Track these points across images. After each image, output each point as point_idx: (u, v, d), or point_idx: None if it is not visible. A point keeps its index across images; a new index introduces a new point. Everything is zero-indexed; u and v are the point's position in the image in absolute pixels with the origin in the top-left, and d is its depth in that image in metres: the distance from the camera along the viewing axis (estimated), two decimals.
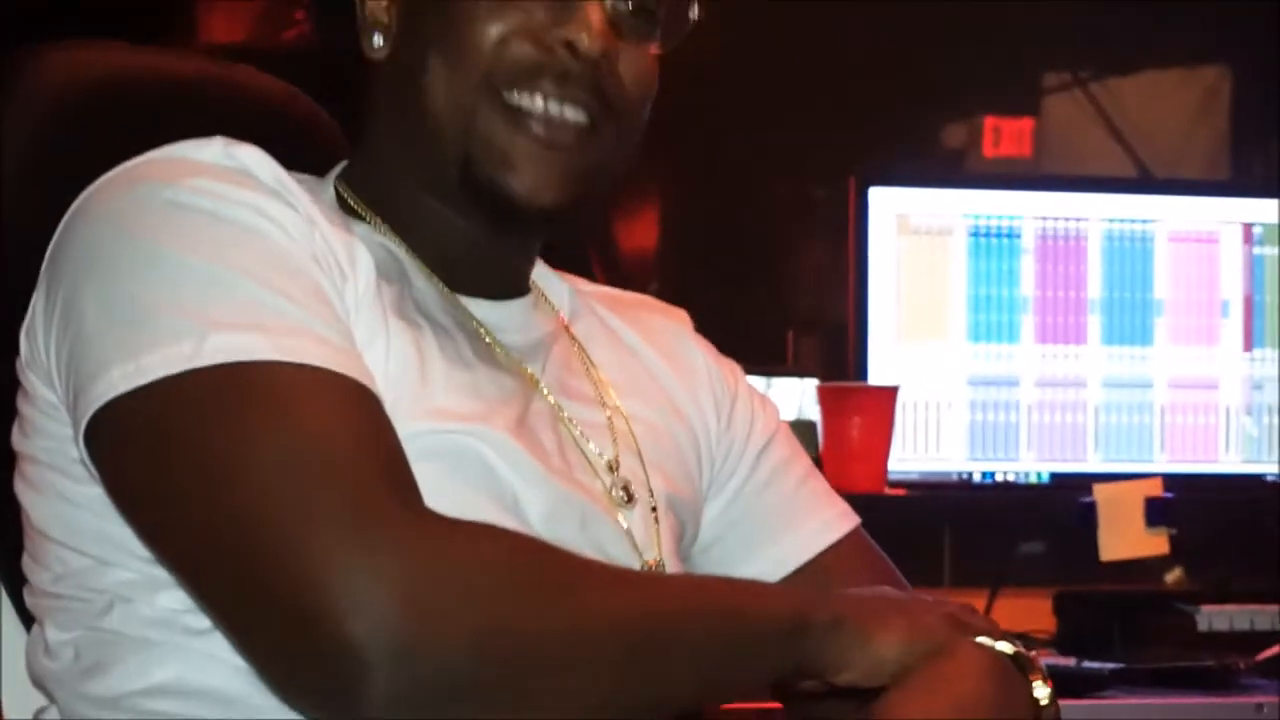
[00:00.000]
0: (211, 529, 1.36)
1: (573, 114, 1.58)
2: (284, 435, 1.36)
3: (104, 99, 1.73)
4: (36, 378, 1.51)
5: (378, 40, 1.63)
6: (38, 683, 1.58)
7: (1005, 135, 3.43)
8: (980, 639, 1.56)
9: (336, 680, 1.30)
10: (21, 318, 1.53)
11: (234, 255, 1.43)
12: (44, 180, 1.63)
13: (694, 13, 1.64)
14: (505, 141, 1.58)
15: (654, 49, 1.63)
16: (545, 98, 1.58)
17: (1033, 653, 1.56)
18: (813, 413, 2.57)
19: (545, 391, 1.65)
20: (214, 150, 1.51)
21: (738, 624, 1.50)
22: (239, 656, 1.44)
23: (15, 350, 1.54)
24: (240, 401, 1.37)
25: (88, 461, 1.43)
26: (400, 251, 1.64)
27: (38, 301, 1.51)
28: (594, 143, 1.60)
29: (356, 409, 1.40)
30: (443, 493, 1.45)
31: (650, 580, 1.58)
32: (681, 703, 1.50)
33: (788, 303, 2.97)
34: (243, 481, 1.34)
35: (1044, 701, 1.55)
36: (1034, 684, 1.56)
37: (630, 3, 1.60)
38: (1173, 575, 2.67)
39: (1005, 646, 1.56)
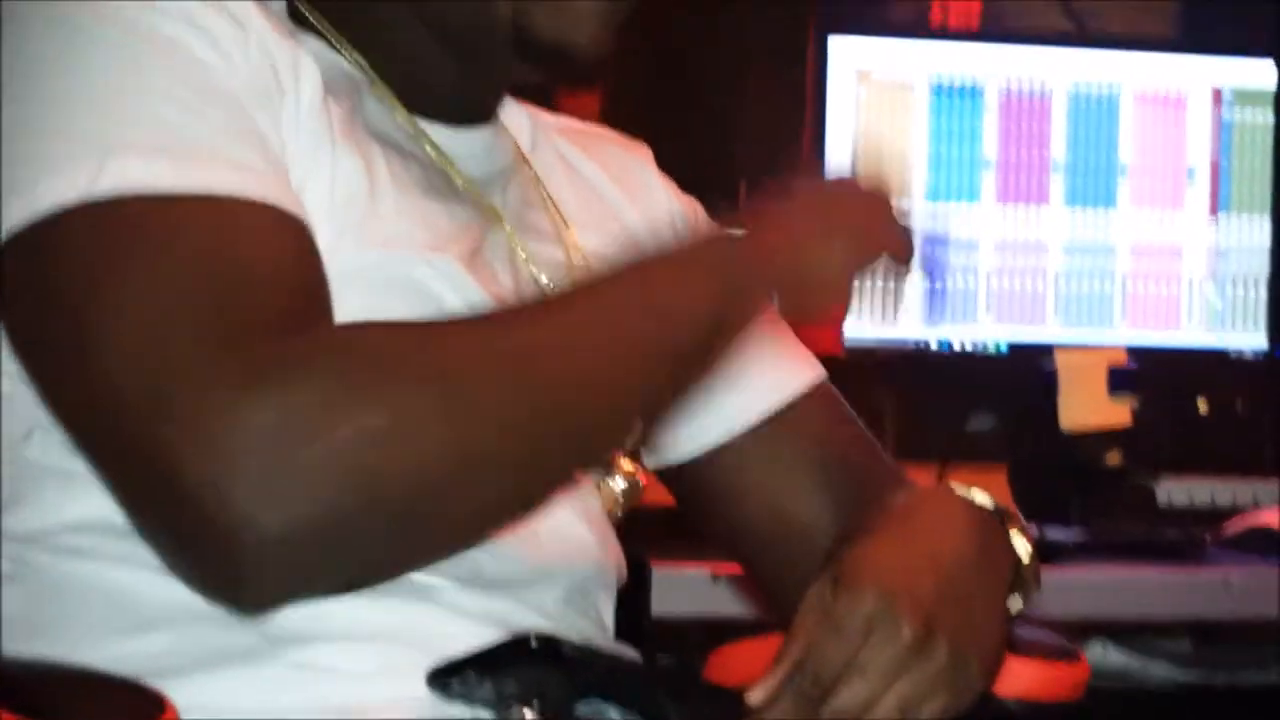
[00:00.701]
0: (86, 387, 1.36)
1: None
2: (171, 275, 1.35)
3: None
4: None
5: None
6: None
7: (954, 6, 3.39)
8: (958, 489, 1.62)
9: (200, 548, 1.32)
10: None
11: (147, 73, 1.43)
12: None
13: None
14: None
15: None
16: None
17: (1011, 511, 1.64)
18: None
19: (506, 225, 1.65)
20: None
21: (657, 292, 1.51)
22: None
23: None
24: (132, 239, 1.36)
25: None
26: (355, 69, 1.62)
27: None
28: None
29: (263, 237, 1.40)
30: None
31: (559, 300, 1.57)
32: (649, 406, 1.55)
33: (740, 152, 2.98)
34: (119, 330, 1.34)
35: (1025, 557, 1.61)
36: (1014, 537, 1.62)
37: None
38: (1115, 457, 2.67)
39: (981, 497, 1.62)
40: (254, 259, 1.36)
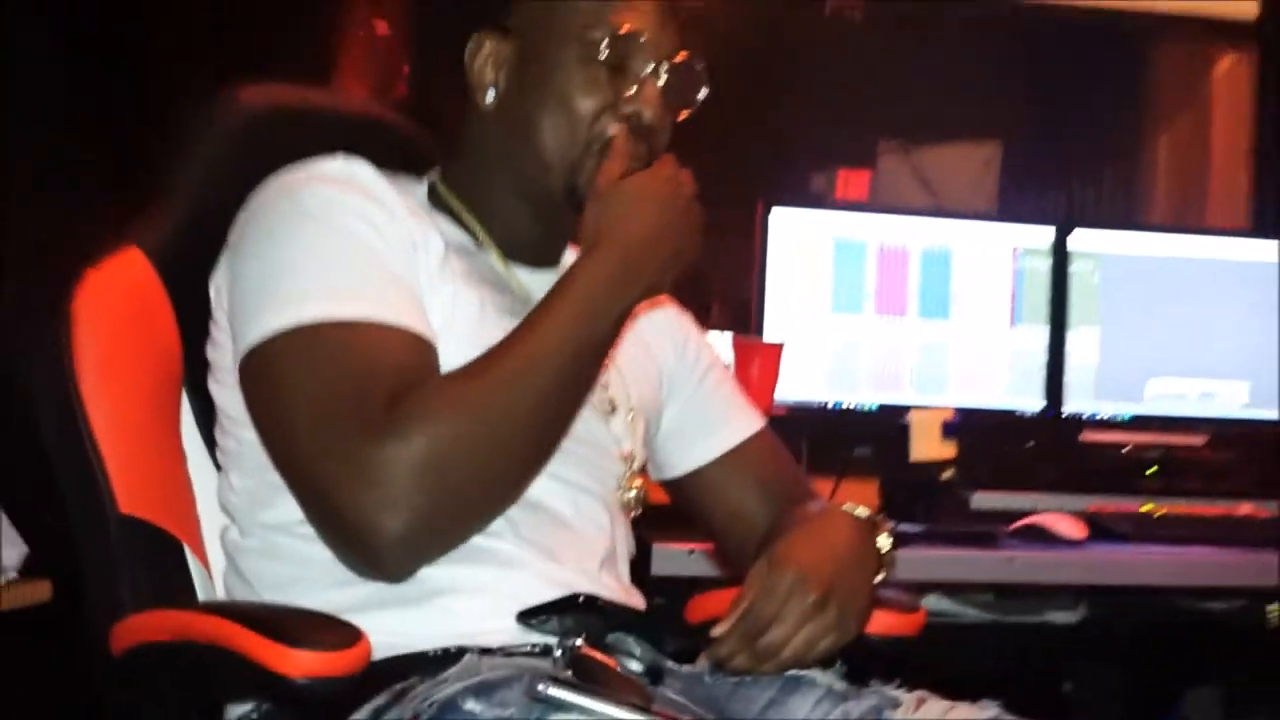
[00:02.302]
0: (285, 438, 1.41)
1: (635, 158, 1.55)
2: (331, 368, 1.38)
3: (276, 124, 1.70)
4: (221, 312, 1.52)
5: (491, 94, 1.58)
6: (223, 509, 1.58)
7: (852, 183, 3.42)
8: (845, 506, 1.61)
9: (355, 547, 1.37)
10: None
11: (332, 251, 1.44)
12: (234, 177, 1.60)
13: (704, 93, 1.61)
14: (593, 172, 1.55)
15: (680, 113, 1.61)
16: (620, 150, 1.55)
17: (881, 517, 1.62)
18: (728, 357, 2.56)
19: None
20: (336, 165, 1.51)
21: (562, 329, 1.44)
22: None
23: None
24: (312, 346, 1.39)
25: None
26: (480, 232, 1.61)
27: (223, 261, 1.52)
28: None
29: (390, 345, 1.41)
30: None
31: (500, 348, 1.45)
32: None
33: (713, 284, 2.95)
34: (303, 403, 1.37)
35: (885, 549, 1.60)
36: (880, 537, 1.60)
37: (679, 81, 1.58)
38: (948, 474, 2.66)
39: (862, 512, 1.60)
40: (381, 357, 1.38)
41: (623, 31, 1.53)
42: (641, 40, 1.54)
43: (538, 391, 1.39)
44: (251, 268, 1.45)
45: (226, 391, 1.52)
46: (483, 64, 1.58)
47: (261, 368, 1.41)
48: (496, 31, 1.58)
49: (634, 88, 1.55)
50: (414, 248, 1.49)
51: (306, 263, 1.43)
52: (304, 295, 1.40)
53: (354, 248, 1.44)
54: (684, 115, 1.62)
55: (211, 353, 1.55)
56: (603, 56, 1.53)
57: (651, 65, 1.55)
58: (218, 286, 1.52)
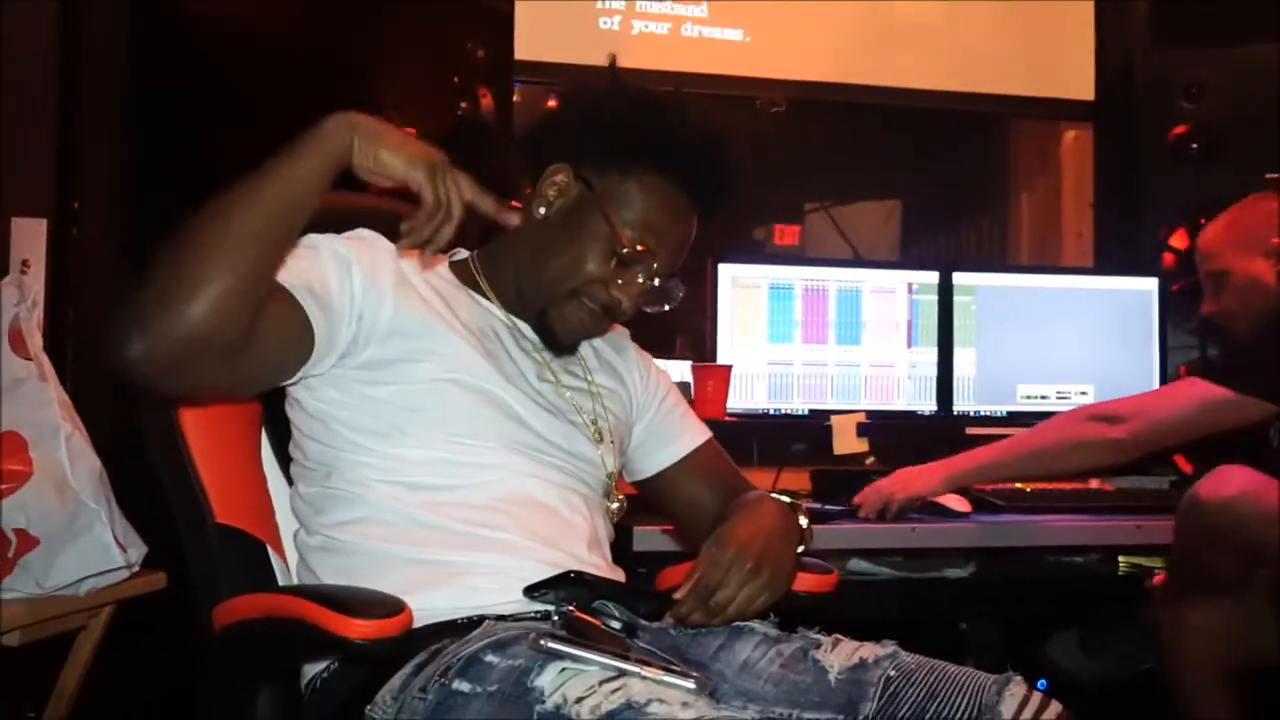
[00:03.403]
0: None
1: (599, 324, 1.61)
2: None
3: (336, 218, 1.63)
4: None
5: (542, 211, 1.58)
6: (295, 515, 1.59)
7: (786, 234, 3.43)
8: (772, 494, 1.62)
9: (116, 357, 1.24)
10: None
11: (315, 269, 1.43)
12: None
13: (669, 307, 1.62)
14: (565, 311, 1.58)
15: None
16: (594, 308, 1.58)
17: (800, 501, 1.63)
18: (689, 378, 2.60)
19: (566, 391, 1.64)
20: (367, 231, 1.55)
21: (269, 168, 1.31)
22: (397, 502, 1.48)
23: None
24: None
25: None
26: (497, 310, 1.62)
27: None
28: (600, 329, 1.64)
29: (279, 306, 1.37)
30: (481, 418, 1.51)
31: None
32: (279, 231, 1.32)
33: (675, 322, 2.95)
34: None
35: (804, 525, 1.61)
36: (800, 518, 1.61)
37: (662, 288, 1.58)
38: (870, 460, 2.69)
39: (785, 498, 1.62)
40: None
41: (641, 249, 1.54)
42: (651, 261, 1.56)
43: (229, 220, 1.26)
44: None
45: (297, 412, 1.54)
46: (549, 186, 1.58)
47: None
48: (572, 169, 1.57)
49: (624, 281, 1.56)
50: (372, 282, 1.48)
51: (306, 271, 1.43)
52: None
53: (327, 275, 1.44)
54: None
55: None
56: (622, 252, 1.54)
57: (646, 277, 1.56)
58: None
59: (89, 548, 1.89)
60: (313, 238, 1.47)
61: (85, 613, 1.98)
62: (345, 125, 1.30)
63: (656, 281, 1.57)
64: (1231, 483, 2.18)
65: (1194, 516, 2.22)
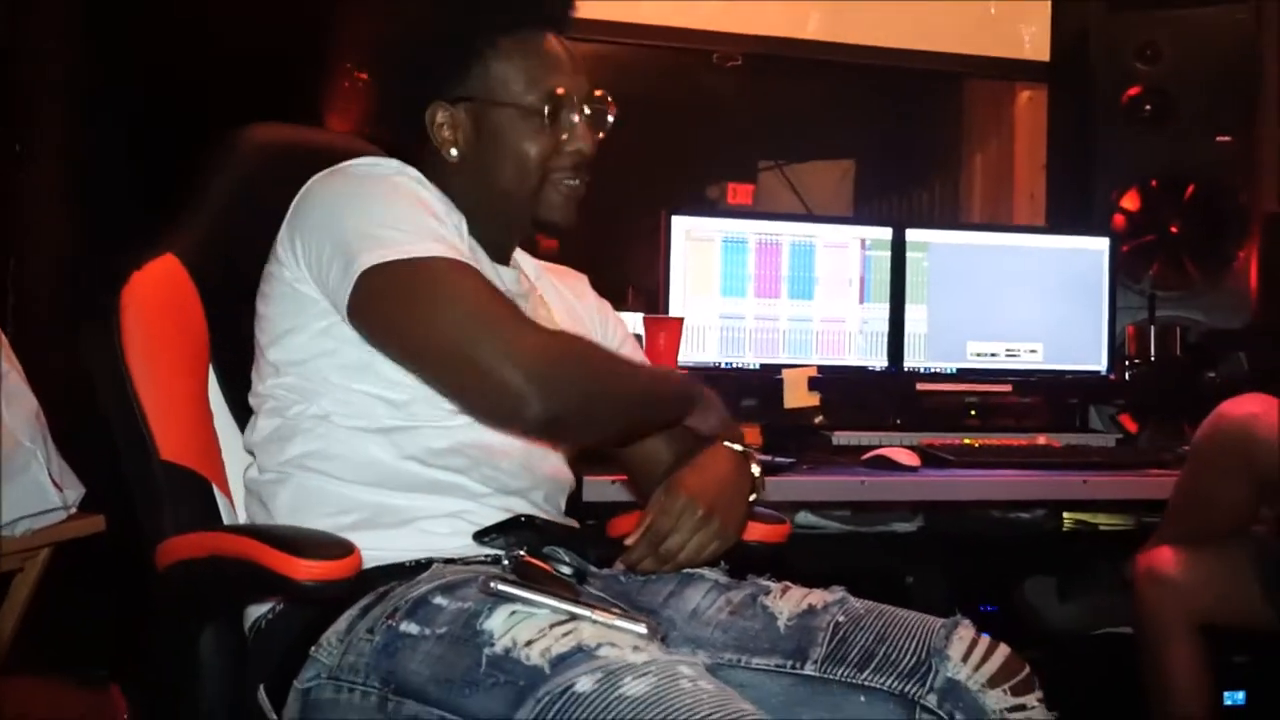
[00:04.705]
0: (432, 340, 1.36)
1: (579, 183, 1.58)
2: (458, 293, 1.37)
3: (281, 155, 1.69)
4: (289, 269, 1.47)
5: (455, 152, 1.56)
6: (247, 449, 1.56)
7: (739, 194, 3.42)
8: (726, 442, 1.60)
9: (511, 410, 1.33)
10: (253, 288, 1.53)
11: (415, 207, 1.43)
12: (251, 201, 1.61)
13: (613, 116, 1.61)
14: (550, 198, 1.56)
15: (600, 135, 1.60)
16: (566, 176, 1.56)
17: (753, 451, 1.63)
18: (641, 331, 2.59)
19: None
20: (394, 163, 1.51)
21: (675, 387, 1.60)
22: (359, 439, 1.45)
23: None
24: (431, 276, 1.37)
25: (344, 308, 1.41)
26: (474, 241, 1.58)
27: (290, 232, 1.47)
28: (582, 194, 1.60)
29: (487, 282, 1.41)
30: None
31: (638, 364, 1.65)
32: (652, 427, 1.64)
33: (629, 273, 2.94)
34: (442, 315, 1.35)
35: (757, 474, 1.61)
36: (753, 466, 1.61)
37: (601, 117, 1.58)
38: (817, 419, 2.70)
39: (739, 446, 1.61)
40: (480, 288, 1.39)
41: (558, 93, 1.53)
42: (571, 97, 1.54)
43: (627, 393, 1.48)
44: (352, 218, 1.42)
45: (272, 343, 1.50)
46: (439, 131, 1.56)
47: (386, 282, 1.38)
48: (447, 103, 1.55)
49: (568, 133, 1.55)
50: (457, 228, 1.50)
51: (405, 213, 1.42)
52: (408, 237, 1.39)
53: (430, 211, 1.44)
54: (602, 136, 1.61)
55: (262, 306, 1.52)
56: (545, 116, 1.53)
57: (578, 111, 1.56)
58: (285, 248, 1.48)
59: (24, 487, 1.87)
60: (410, 187, 1.48)
61: (21, 554, 1.96)
62: (718, 414, 1.61)
63: (588, 109, 1.56)
64: (1253, 403, 2.19)
65: (1212, 430, 2.23)
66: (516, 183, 1.55)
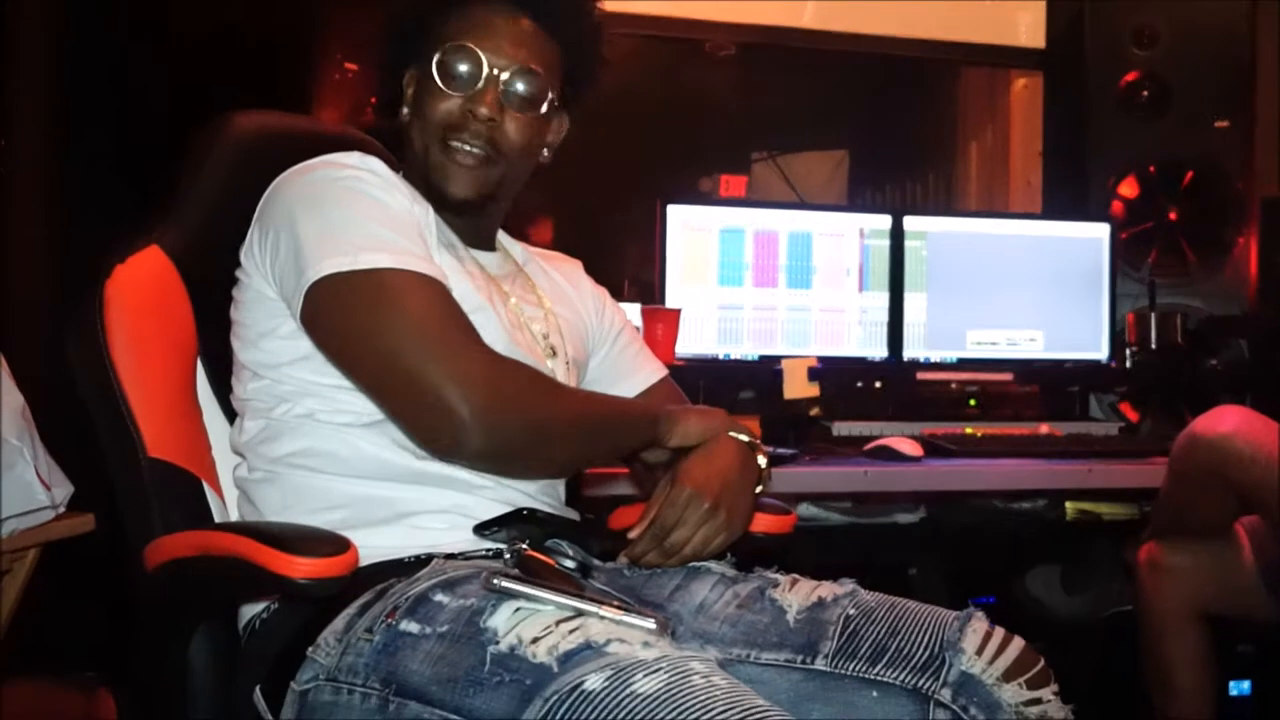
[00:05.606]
0: (376, 360, 1.34)
1: (476, 150, 1.52)
2: (405, 309, 1.33)
3: (267, 144, 1.65)
4: (255, 274, 1.45)
5: (406, 110, 1.58)
6: (235, 450, 1.55)
7: (732, 185, 3.39)
8: (732, 433, 1.57)
9: (452, 440, 1.30)
10: (232, 266, 1.50)
11: (369, 212, 1.39)
12: (237, 191, 1.57)
13: (549, 98, 1.55)
14: (444, 165, 1.53)
15: (531, 116, 1.55)
16: (462, 142, 1.52)
17: (759, 442, 1.60)
18: (639, 321, 2.55)
19: (511, 298, 1.60)
20: (354, 157, 1.48)
21: (627, 416, 1.52)
22: (346, 434, 1.43)
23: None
24: (379, 290, 1.34)
25: (298, 318, 1.38)
26: (443, 225, 1.57)
27: (254, 235, 1.46)
28: (488, 168, 1.53)
29: (439, 295, 1.37)
30: None
31: (586, 394, 1.58)
32: (599, 460, 1.59)
33: (626, 264, 2.92)
34: (388, 334, 1.32)
35: (763, 465, 1.58)
36: (759, 457, 1.58)
37: (514, 88, 1.52)
38: (814, 410, 2.67)
39: (744, 437, 1.58)
40: (439, 304, 1.35)
41: (457, 44, 1.51)
42: (472, 50, 1.51)
43: (576, 425, 1.42)
44: (306, 225, 1.39)
45: (248, 348, 1.48)
46: (405, 93, 1.58)
47: (332, 295, 1.35)
48: (415, 69, 1.57)
49: (467, 96, 1.51)
50: (418, 224, 1.46)
51: (358, 220, 1.38)
52: (359, 248, 1.35)
53: (386, 214, 1.41)
54: (536, 116, 1.55)
55: (235, 313, 1.51)
56: (436, 68, 1.51)
57: (486, 72, 1.51)
58: (250, 253, 1.46)
59: (11, 486, 1.83)
60: (367, 189, 1.43)
61: (9, 555, 1.92)
62: (701, 421, 1.54)
63: (499, 73, 1.51)
64: (1226, 420, 2.16)
65: (1187, 450, 2.21)
66: (423, 148, 1.54)
